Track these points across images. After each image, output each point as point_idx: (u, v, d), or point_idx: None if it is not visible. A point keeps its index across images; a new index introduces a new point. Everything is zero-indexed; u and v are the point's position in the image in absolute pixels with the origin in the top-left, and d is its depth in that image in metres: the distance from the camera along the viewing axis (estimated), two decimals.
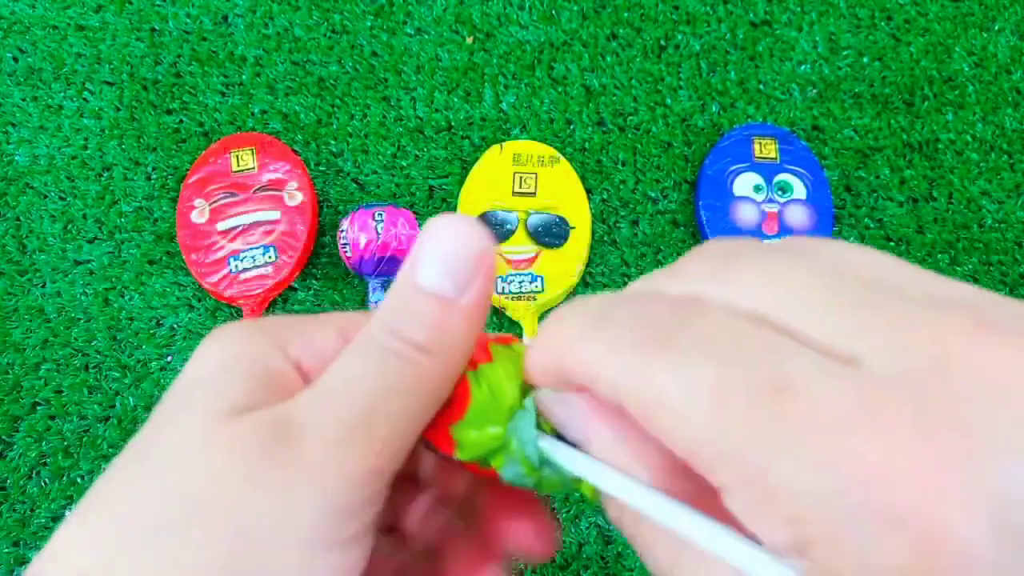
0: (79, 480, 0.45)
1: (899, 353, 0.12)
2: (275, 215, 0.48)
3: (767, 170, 0.51)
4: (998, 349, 0.12)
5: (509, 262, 0.48)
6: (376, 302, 0.47)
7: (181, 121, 0.52)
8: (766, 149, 0.52)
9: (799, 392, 0.12)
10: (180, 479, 0.16)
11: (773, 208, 0.50)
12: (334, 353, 0.19)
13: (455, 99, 0.53)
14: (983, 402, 0.11)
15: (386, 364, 0.17)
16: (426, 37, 0.55)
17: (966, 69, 0.56)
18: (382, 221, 0.47)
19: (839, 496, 0.12)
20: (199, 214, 0.49)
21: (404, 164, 0.52)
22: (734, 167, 0.51)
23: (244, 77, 0.53)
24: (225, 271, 0.47)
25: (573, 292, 0.49)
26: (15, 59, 0.53)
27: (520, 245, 0.49)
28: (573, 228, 0.49)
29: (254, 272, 0.47)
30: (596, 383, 0.15)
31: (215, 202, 0.49)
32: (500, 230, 0.49)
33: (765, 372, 0.13)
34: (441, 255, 0.18)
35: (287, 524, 0.16)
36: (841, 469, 0.12)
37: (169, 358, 0.47)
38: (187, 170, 0.50)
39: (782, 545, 0.12)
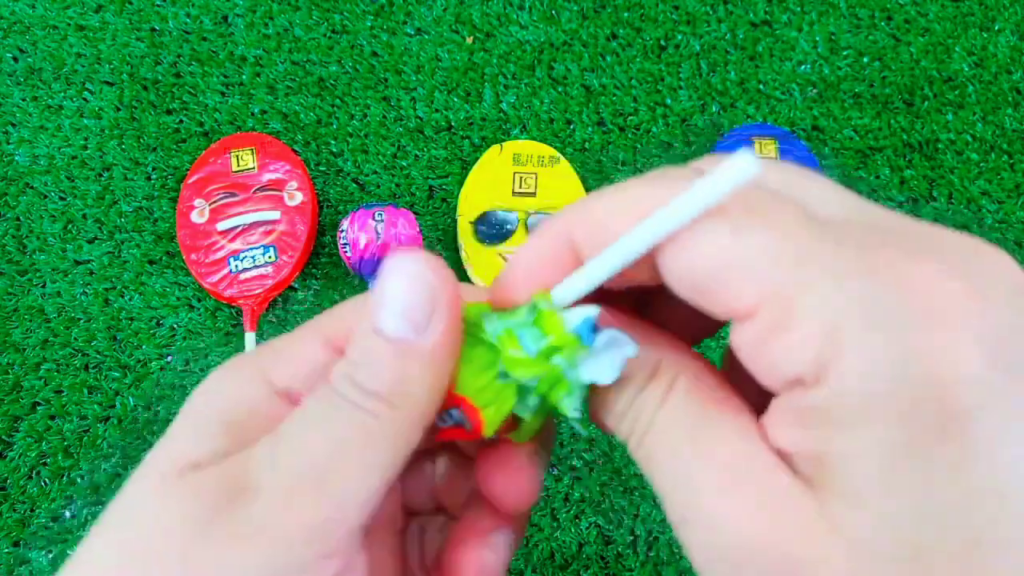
0: (79, 480, 0.45)
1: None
2: (275, 215, 0.48)
3: None
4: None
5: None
6: None
7: (181, 121, 0.52)
8: (766, 149, 0.52)
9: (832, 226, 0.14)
10: (135, 537, 0.16)
11: None
12: (321, 366, 0.18)
13: (455, 99, 0.53)
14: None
15: (341, 416, 0.17)
16: (426, 37, 0.55)
17: (966, 69, 0.56)
18: (382, 221, 0.47)
19: (873, 306, 0.13)
20: (199, 214, 0.49)
21: (404, 164, 0.52)
22: None
23: (244, 77, 0.53)
24: (225, 271, 0.47)
25: None
26: (15, 59, 0.53)
27: (520, 245, 0.49)
28: None
29: (254, 272, 0.47)
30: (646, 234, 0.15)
31: (215, 202, 0.49)
32: (500, 230, 0.49)
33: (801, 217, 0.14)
34: (394, 295, 0.17)
35: None
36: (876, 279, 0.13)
37: (169, 358, 0.47)
38: (187, 170, 0.50)
39: (802, 362, 0.13)
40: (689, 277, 0.15)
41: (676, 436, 0.15)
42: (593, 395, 0.17)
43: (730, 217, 0.14)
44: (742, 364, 0.15)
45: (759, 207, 0.14)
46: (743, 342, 0.14)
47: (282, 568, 0.16)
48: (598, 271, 0.16)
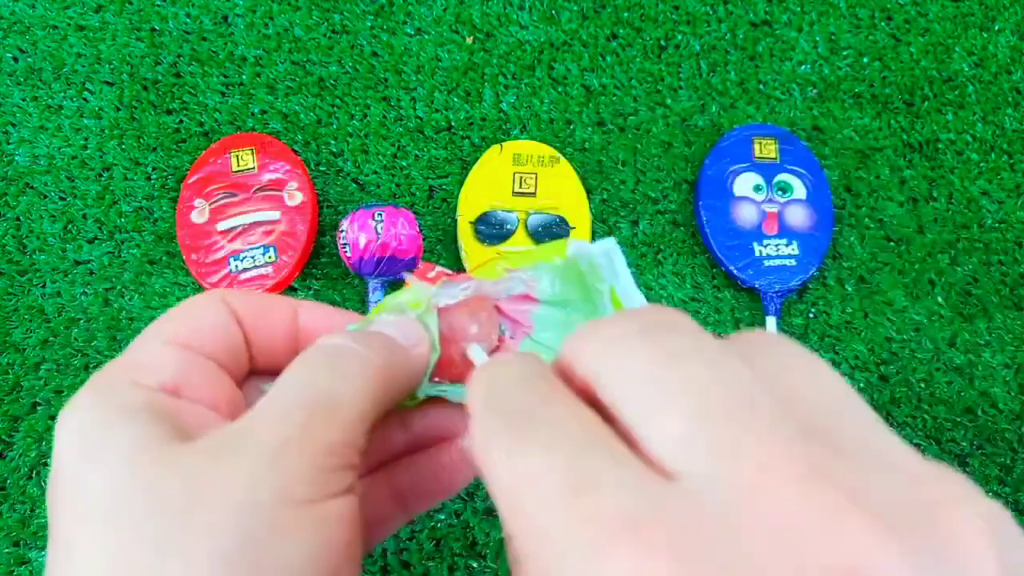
0: None
1: (711, 479, 0.13)
2: (275, 215, 0.48)
3: (767, 170, 0.51)
4: (799, 498, 0.12)
5: None
6: (375, 302, 0.47)
7: (181, 121, 0.52)
8: (766, 149, 0.52)
9: (597, 496, 0.13)
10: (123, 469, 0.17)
11: (773, 208, 0.50)
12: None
13: (455, 99, 0.53)
14: (753, 543, 0.12)
15: (345, 354, 0.20)
16: (426, 37, 0.55)
17: (966, 69, 0.56)
18: (382, 221, 0.47)
19: None
20: (199, 214, 0.49)
21: (404, 164, 0.52)
22: (734, 167, 0.51)
23: (244, 77, 0.53)
24: (225, 271, 0.47)
25: None
26: (15, 59, 0.53)
27: (520, 245, 0.49)
28: (573, 228, 0.49)
29: (254, 272, 0.47)
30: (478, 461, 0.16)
31: (215, 202, 0.49)
32: (500, 230, 0.49)
33: (578, 472, 0.13)
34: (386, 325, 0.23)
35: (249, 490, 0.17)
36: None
37: None
38: (187, 170, 0.50)
39: None
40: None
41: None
42: None
43: None
44: None
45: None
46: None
47: (292, 488, 0.17)
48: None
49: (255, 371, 0.23)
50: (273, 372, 0.21)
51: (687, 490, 0.13)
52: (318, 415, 0.18)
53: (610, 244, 0.25)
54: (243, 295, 0.23)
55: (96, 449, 0.17)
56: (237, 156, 0.50)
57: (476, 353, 0.25)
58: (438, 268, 0.26)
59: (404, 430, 0.26)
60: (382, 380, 0.20)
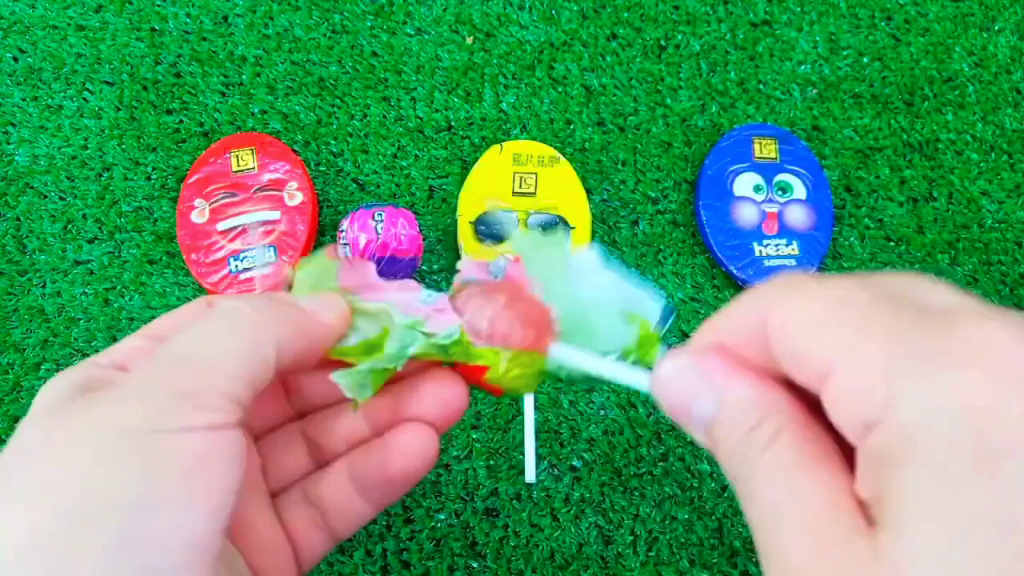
0: None
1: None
2: (275, 215, 0.48)
3: (767, 170, 0.51)
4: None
5: None
6: None
7: (181, 121, 0.52)
8: (766, 149, 0.52)
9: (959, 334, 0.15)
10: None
11: (773, 208, 0.50)
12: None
13: (455, 99, 0.53)
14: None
15: (215, 315, 0.22)
16: (426, 37, 0.55)
17: (966, 69, 0.56)
18: (382, 221, 0.47)
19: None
20: (199, 214, 0.49)
21: (404, 164, 0.52)
22: (734, 167, 0.51)
23: (244, 77, 0.53)
24: (225, 271, 0.47)
25: None
26: (15, 59, 0.53)
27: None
28: (573, 228, 0.49)
29: (254, 272, 0.47)
30: (794, 339, 0.17)
31: (215, 202, 0.49)
32: (500, 230, 0.49)
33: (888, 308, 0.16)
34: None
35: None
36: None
37: None
38: (187, 170, 0.50)
39: (867, 410, 0.15)
40: (786, 354, 0.18)
41: (775, 479, 0.17)
42: (709, 434, 0.20)
43: (805, 291, 0.17)
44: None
45: (834, 284, 0.17)
46: (828, 401, 0.16)
47: (152, 420, 0.19)
48: (587, 364, 0.24)
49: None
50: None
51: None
52: (198, 365, 0.20)
53: (595, 263, 0.26)
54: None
55: (33, 406, 0.20)
56: (237, 156, 0.50)
57: (558, 349, 0.25)
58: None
59: (364, 417, 0.26)
60: (267, 339, 0.21)
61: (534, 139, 0.52)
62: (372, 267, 0.26)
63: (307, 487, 0.26)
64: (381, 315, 0.24)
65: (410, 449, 0.25)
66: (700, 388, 0.19)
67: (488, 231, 0.49)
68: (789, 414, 0.18)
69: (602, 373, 0.23)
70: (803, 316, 0.17)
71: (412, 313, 0.25)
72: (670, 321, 0.25)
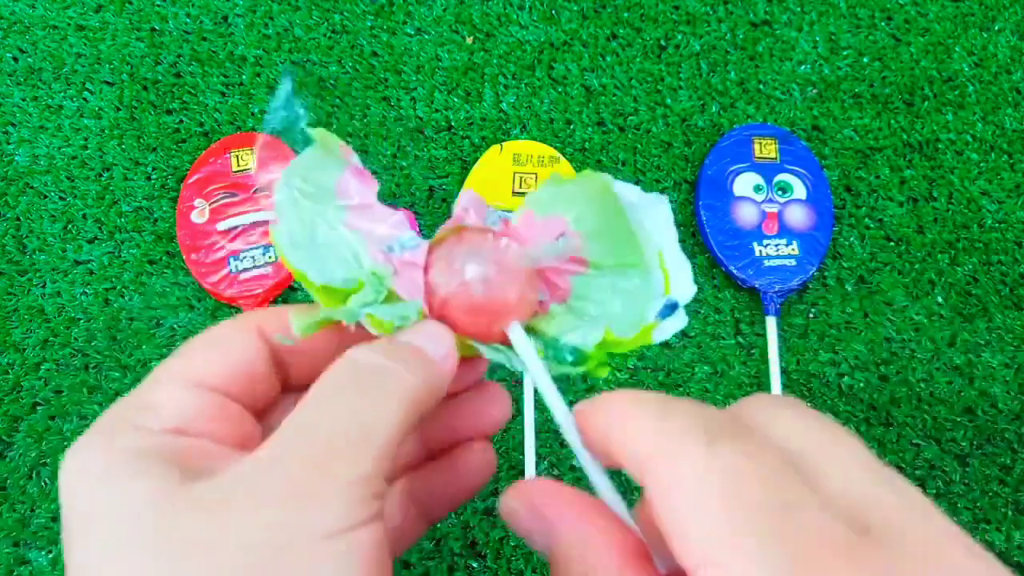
0: None
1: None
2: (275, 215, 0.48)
3: (767, 170, 0.51)
4: None
5: None
6: None
7: (181, 121, 0.52)
8: (766, 149, 0.52)
9: (800, 515, 0.14)
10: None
11: (773, 208, 0.50)
12: (255, 360, 0.21)
13: (455, 99, 0.53)
14: None
15: (374, 376, 0.19)
16: (426, 37, 0.55)
17: (966, 69, 0.56)
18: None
19: None
20: (199, 214, 0.49)
21: (404, 164, 0.52)
22: (734, 167, 0.51)
23: (244, 77, 0.53)
24: (225, 271, 0.47)
25: None
26: (15, 59, 0.53)
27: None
28: None
29: (254, 272, 0.47)
30: (627, 450, 0.17)
31: (215, 202, 0.49)
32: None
33: (776, 493, 0.15)
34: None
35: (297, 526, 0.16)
36: None
37: None
38: (187, 170, 0.50)
39: None
40: (660, 517, 0.16)
41: None
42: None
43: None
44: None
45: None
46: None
47: (301, 525, 0.16)
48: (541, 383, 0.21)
49: (291, 387, 0.23)
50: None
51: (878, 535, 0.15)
52: (344, 448, 0.17)
53: (661, 201, 0.22)
54: (280, 319, 0.21)
55: (113, 495, 0.17)
56: (237, 156, 0.50)
57: (517, 334, 0.21)
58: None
59: (419, 440, 0.25)
60: (416, 403, 0.19)
61: (534, 139, 0.52)
62: (375, 187, 0.23)
63: (406, 482, 0.25)
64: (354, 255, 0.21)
65: (479, 467, 0.25)
66: (534, 525, 0.19)
67: None
68: (606, 561, 0.17)
69: (538, 385, 0.21)
70: (684, 477, 0.16)
71: (382, 261, 0.21)
72: (674, 312, 0.23)
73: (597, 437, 0.19)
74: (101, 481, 0.17)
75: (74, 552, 0.17)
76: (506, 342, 0.22)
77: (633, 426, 0.17)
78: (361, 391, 0.18)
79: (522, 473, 0.45)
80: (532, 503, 0.19)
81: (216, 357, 0.20)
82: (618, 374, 0.47)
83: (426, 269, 0.22)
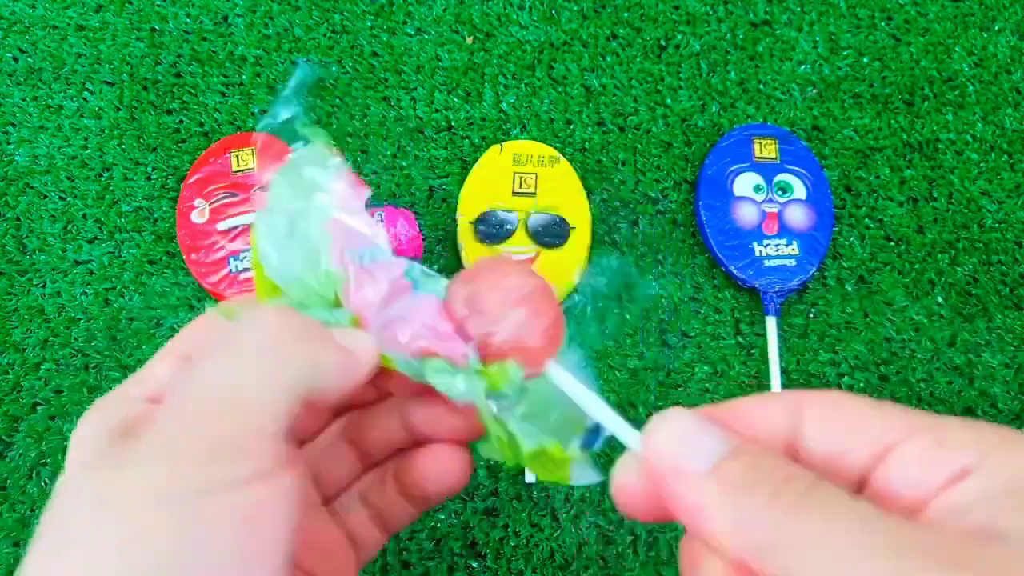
0: None
1: None
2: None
3: (767, 170, 0.51)
4: None
5: None
6: None
7: (181, 121, 0.52)
8: (766, 149, 0.52)
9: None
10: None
11: (773, 208, 0.50)
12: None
13: (455, 99, 0.53)
14: None
15: (247, 338, 0.20)
16: (426, 37, 0.55)
17: (966, 69, 0.56)
18: (381, 221, 0.47)
19: None
20: (199, 214, 0.49)
21: (404, 164, 0.52)
22: (734, 167, 0.51)
23: (244, 77, 0.53)
24: (225, 271, 0.47)
25: (574, 292, 0.49)
26: (15, 59, 0.53)
27: (520, 245, 0.49)
28: (573, 228, 0.49)
29: (254, 272, 0.47)
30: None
31: (215, 202, 0.49)
32: (500, 230, 0.49)
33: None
34: None
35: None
36: None
37: None
38: (187, 170, 0.50)
39: (961, 461, 0.16)
40: (831, 433, 0.18)
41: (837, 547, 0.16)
42: (701, 491, 0.19)
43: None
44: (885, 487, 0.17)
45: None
46: (900, 463, 0.17)
47: (193, 479, 0.17)
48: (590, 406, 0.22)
49: None
50: None
51: None
52: (215, 406, 0.18)
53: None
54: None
55: (74, 454, 0.19)
56: (237, 156, 0.50)
57: (555, 371, 0.22)
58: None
59: (401, 422, 0.25)
60: (304, 377, 0.20)
61: (534, 139, 0.52)
62: (366, 193, 0.23)
63: (363, 489, 0.26)
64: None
65: (440, 471, 0.25)
66: (706, 435, 0.18)
67: (488, 231, 0.49)
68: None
69: (591, 412, 0.21)
70: (851, 404, 0.18)
71: (338, 265, 0.22)
72: (595, 445, 0.23)
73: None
74: (80, 430, 0.20)
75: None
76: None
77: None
78: (251, 347, 0.19)
79: (522, 473, 0.45)
80: (705, 418, 0.19)
81: (196, 336, 0.23)
82: (618, 374, 0.47)
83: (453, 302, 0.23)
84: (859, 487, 0.18)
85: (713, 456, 0.18)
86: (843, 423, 0.18)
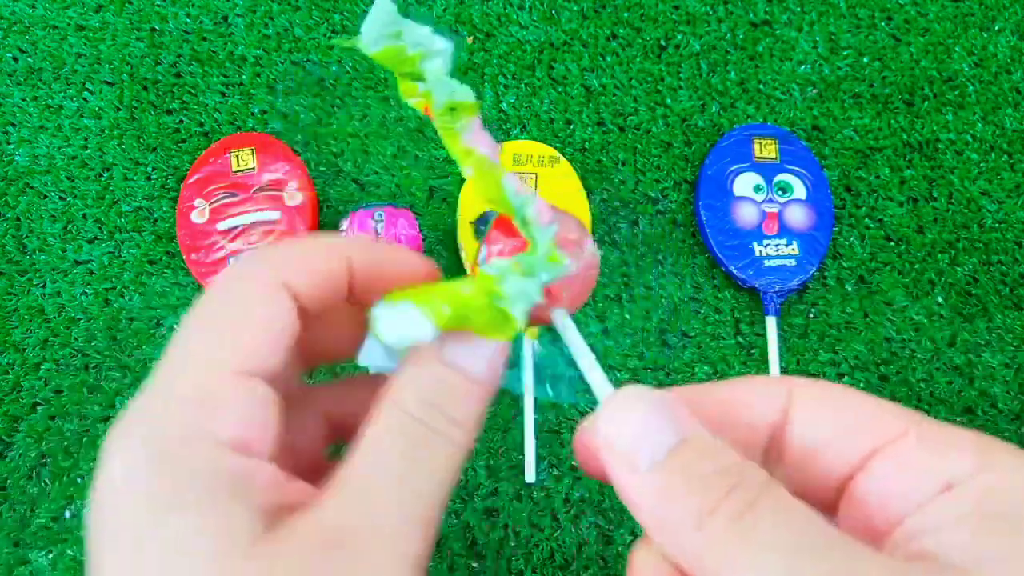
0: (79, 480, 0.45)
1: None
2: (275, 215, 0.48)
3: (767, 170, 0.51)
4: None
5: None
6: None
7: (181, 121, 0.52)
8: (766, 149, 0.52)
9: None
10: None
11: (773, 208, 0.50)
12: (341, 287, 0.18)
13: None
14: None
15: (428, 443, 0.17)
16: None
17: (966, 69, 0.56)
18: (382, 221, 0.47)
19: None
20: (199, 214, 0.49)
21: (404, 164, 0.52)
22: (734, 167, 0.51)
23: (244, 77, 0.53)
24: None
25: None
26: (15, 59, 0.53)
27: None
28: None
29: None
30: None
31: (215, 202, 0.49)
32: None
33: None
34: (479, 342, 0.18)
35: None
36: None
37: None
38: (187, 170, 0.50)
39: (956, 469, 0.16)
40: (817, 427, 0.18)
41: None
42: (642, 480, 0.17)
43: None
44: (861, 498, 0.17)
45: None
46: (887, 466, 0.16)
47: None
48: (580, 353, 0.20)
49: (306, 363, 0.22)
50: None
51: None
52: (399, 522, 0.16)
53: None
54: (306, 264, 0.18)
55: (167, 540, 0.14)
56: (237, 156, 0.50)
57: (561, 318, 0.21)
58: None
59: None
60: (462, 455, 0.18)
61: (534, 139, 0.52)
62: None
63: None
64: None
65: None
66: (661, 421, 0.17)
67: (488, 231, 0.49)
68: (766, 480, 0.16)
69: (581, 366, 0.20)
70: (844, 396, 0.18)
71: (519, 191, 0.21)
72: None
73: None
74: (151, 511, 0.14)
75: None
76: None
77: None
78: (412, 458, 0.17)
79: (522, 473, 0.45)
80: (665, 400, 0.17)
81: (259, 334, 0.16)
82: (618, 374, 0.47)
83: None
84: (838, 488, 0.18)
85: (661, 450, 0.16)
86: (833, 415, 0.18)
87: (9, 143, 0.51)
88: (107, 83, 0.53)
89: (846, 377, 0.49)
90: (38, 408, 0.46)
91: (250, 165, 0.49)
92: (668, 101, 0.54)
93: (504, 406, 0.46)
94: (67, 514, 0.44)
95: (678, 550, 0.15)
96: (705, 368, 0.48)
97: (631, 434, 0.17)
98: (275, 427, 0.16)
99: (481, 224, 0.49)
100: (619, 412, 0.17)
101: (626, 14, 0.56)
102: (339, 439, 0.22)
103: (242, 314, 0.17)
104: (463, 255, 0.49)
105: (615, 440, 0.17)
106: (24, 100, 0.52)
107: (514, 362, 0.21)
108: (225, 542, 0.13)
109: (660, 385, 0.48)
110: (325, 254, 0.18)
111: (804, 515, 0.15)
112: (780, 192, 0.51)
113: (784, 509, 0.15)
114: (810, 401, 0.18)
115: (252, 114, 0.52)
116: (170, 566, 0.13)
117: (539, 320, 0.21)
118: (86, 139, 0.52)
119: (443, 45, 0.21)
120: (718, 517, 0.15)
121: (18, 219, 0.50)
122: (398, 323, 0.18)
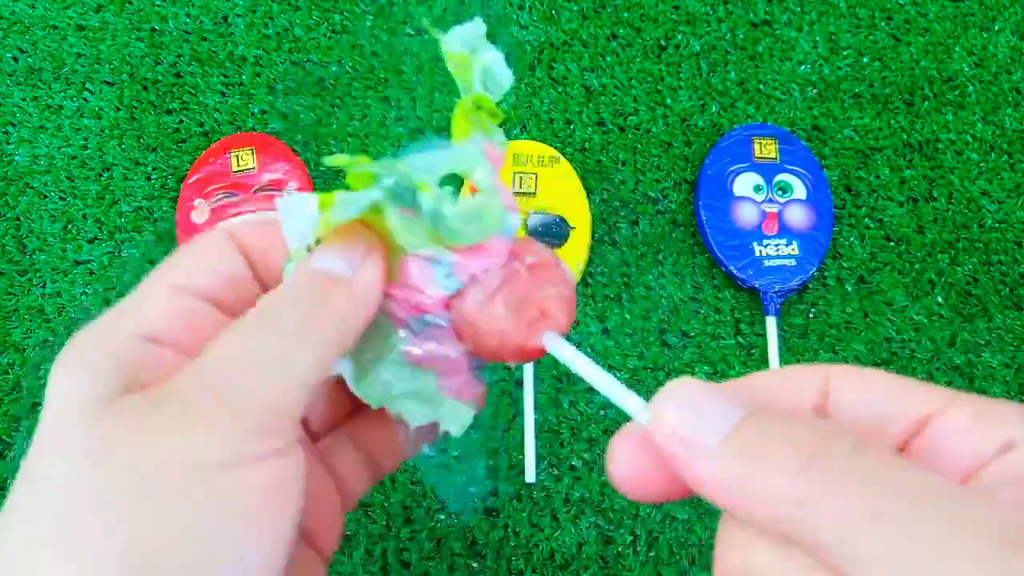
0: None
1: None
2: (275, 215, 0.48)
3: (767, 170, 0.51)
4: None
5: None
6: None
7: (181, 121, 0.52)
8: (766, 149, 0.52)
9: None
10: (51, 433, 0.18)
11: (773, 208, 0.50)
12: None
13: (455, 99, 0.53)
14: None
15: (280, 333, 0.19)
16: (426, 37, 0.55)
17: (966, 69, 0.56)
18: None
19: None
20: (199, 214, 0.49)
21: None
22: (734, 167, 0.51)
23: (244, 77, 0.53)
24: None
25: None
26: (15, 59, 0.53)
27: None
28: (573, 228, 0.49)
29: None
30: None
31: (215, 202, 0.49)
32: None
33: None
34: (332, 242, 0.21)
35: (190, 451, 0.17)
36: None
37: None
38: (187, 170, 0.50)
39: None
40: (866, 399, 0.18)
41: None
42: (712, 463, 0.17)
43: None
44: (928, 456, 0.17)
45: None
46: (943, 430, 0.16)
47: (221, 451, 0.17)
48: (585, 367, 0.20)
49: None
50: None
51: None
52: (258, 380, 0.18)
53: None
54: (249, 229, 0.23)
55: (61, 397, 0.18)
56: (237, 156, 0.50)
57: (552, 341, 0.21)
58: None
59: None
60: (337, 334, 0.19)
61: (534, 139, 0.52)
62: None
63: (352, 430, 0.25)
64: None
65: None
66: (721, 399, 0.17)
67: None
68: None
69: (593, 382, 0.20)
70: (882, 376, 0.18)
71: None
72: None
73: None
74: (62, 379, 0.18)
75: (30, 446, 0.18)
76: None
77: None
78: (283, 323, 0.19)
79: (522, 473, 0.45)
80: (717, 388, 0.18)
81: (199, 262, 0.21)
82: (618, 374, 0.47)
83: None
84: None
85: (727, 425, 0.16)
86: (877, 394, 0.17)
87: (9, 143, 0.51)
88: (107, 83, 0.53)
89: None
90: (38, 408, 0.46)
91: (250, 165, 0.49)
92: (668, 101, 0.54)
93: (504, 406, 0.46)
94: None
95: (773, 511, 0.15)
96: (705, 368, 0.48)
97: (694, 416, 0.17)
98: (194, 325, 0.20)
99: None
100: (675, 400, 0.17)
101: (626, 14, 0.56)
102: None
103: (192, 249, 0.21)
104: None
105: (678, 427, 0.17)
106: (24, 100, 0.52)
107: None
108: (93, 395, 0.17)
109: (660, 385, 0.48)
110: (215, 252, 0.21)
111: (907, 462, 0.15)
112: (780, 192, 0.51)
113: (888, 452, 0.15)
114: (850, 381, 0.18)
115: (252, 114, 0.52)
116: (47, 422, 0.18)
117: (529, 353, 0.22)
118: (86, 139, 0.52)
119: (505, 75, 0.25)
120: (822, 459, 0.14)
121: (18, 219, 0.50)
122: (292, 204, 0.22)
